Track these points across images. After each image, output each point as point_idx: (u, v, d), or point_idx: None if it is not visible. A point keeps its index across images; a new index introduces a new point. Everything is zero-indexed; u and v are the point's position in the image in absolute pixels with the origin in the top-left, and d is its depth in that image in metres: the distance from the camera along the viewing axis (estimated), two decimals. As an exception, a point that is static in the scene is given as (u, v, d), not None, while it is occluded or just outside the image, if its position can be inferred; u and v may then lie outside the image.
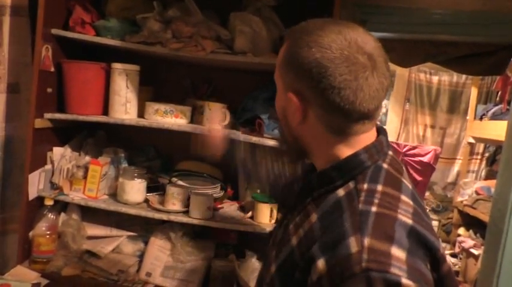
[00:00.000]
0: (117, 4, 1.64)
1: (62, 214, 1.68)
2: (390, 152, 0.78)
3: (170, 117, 1.61)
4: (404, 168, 0.79)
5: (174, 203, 1.61)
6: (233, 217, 1.64)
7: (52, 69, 1.58)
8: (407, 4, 1.85)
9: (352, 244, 0.61)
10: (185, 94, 1.85)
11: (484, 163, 4.62)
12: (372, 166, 0.73)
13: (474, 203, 3.58)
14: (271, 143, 1.53)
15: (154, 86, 1.81)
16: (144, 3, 1.63)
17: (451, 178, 4.77)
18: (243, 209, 1.72)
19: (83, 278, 1.57)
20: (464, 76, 4.59)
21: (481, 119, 3.88)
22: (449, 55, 2.09)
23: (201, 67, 1.86)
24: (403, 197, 0.69)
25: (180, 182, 1.71)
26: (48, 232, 1.59)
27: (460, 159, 4.68)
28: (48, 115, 1.59)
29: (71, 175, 1.67)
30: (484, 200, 3.48)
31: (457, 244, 3.67)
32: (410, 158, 3.73)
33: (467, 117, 4.32)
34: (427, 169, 3.78)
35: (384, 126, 4.68)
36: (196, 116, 1.72)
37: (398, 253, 0.60)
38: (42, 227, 1.59)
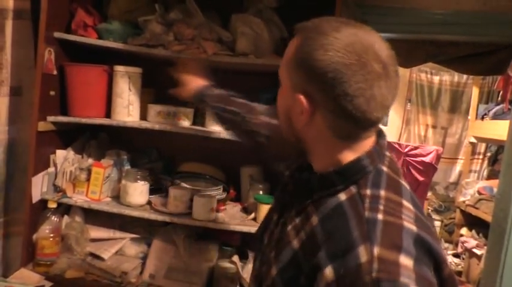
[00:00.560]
0: (119, 7, 1.65)
1: (65, 217, 1.68)
2: (388, 153, 0.78)
3: (172, 120, 1.61)
4: (400, 168, 0.79)
5: (177, 205, 1.62)
6: (236, 218, 1.64)
7: (55, 72, 1.59)
8: (408, 4, 1.86)
9: (362, 253, 0.62)
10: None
11: (485, 162, 4.61)
12: (374, 169, 0.73)
13: (476, 203, 3.58)
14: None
15: (156, 88, 1.82)
16: (146, 5, 1.64)
17: (453, 177, 4.76)
18: (245, 210, 1.72)
19: (86, 280, 1.57)
20: (465, 76, 4.58)
21: (482, 118, 3.88)
22: (451, 55, 2.09)
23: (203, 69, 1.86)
24: (405, 203, 0.69)
25: (183, 184, 1.72)
26: (52, 235, 1.59)
27: (461, 159, 4.68)
28: (51, 118, 1.60)
29: (74, 178, 1.67)
30: (487, 200, 3.48)
31: (459, 244, 3.66)
32: (412, 159, 3.73)
33: (469, 117, 4.32)
34: (429, 169, 3.78)
35: (383, 127, 4.71)
36: (198, 118, 1.72)
37: (406, 261, 0.61)
38: (45, 229, 1.59)
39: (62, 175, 1.66)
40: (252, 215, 1.64)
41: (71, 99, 1.64)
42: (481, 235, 3.51)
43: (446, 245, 3.91)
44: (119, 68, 1.59)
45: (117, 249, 1.69)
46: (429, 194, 4.38)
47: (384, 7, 1.84)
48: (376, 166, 0.73)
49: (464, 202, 3.77)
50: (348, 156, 0.73)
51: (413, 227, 0.65)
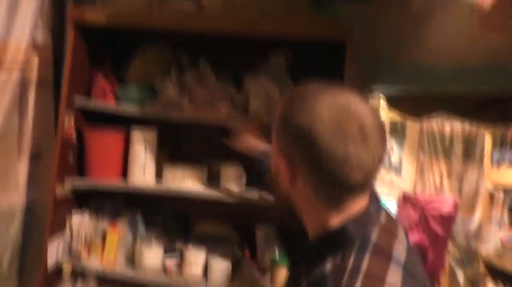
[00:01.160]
0: (136, 71, 1.72)
1: (80, 282, 1.66)
2: (383, 219, 0.75)
3: (187, 181, 1.62)
4: (400, 233, 0.75)
5: (192, 269, 1.59)
6: (252, 280, 1.59)
7: (74, 137, 1.63)
8: (414, 61, 1.90)
9: None
10: (201, 154, 1.88)
11: (506, 210, 4.49)
12: (359, 238, 0.70)
13: (500, 254, 3.45)
14: (289, 202, 1.52)
15: (171, 148, 1.85)
16: (162, 69, 1.71)
17: (472, 227, 4.62)
18: (261, 270, 1.68)
19: None
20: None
21: (498, 165, 3.83)
22: (460, 106, 2.11)
23: (217, 128, 1.90)
24: (390, 276, 0.65)
25: (197, 246, 1.69)
26: (66, 301, 1.56)
27: (480, 207, 4.57)
28: (68, 182, 1.62)
29: (89, 242, 1.66)
30: (511, 251, 3.36)
31: (486, 299, 3.49)
32: (429, 210, 3.64)
33: (484, 164, 4.26)
34: (448, 220, 3.68)
35: (398, 182, 4.61)
36: (212, 178, 1.73)
37: None
38: (60, 295, 1.57)
39: (78, 238, 1.66)
40: (268, 276, 1.60)
41: (88, 163, 1.67)
42: (508, 288, 3.35)
43: (472, 300, 3.73)
44: (136, 132, 1.63)
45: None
46: (450, 245, 4.24)
47: (391, 63, 1.88)
48: (362, 234, 0.70)
49: (487, 253, 3.64)
50: (334, 220, 0.71)
51: None
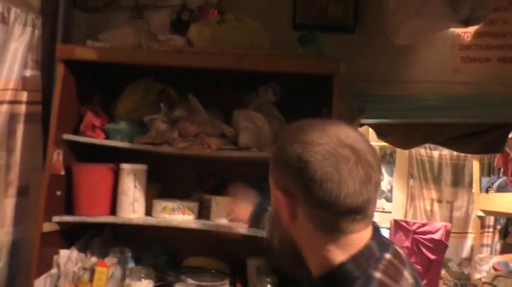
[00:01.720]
0: (125, 107, 1.73)
1: (66, 321, 1.61)
2: (388, 255, 0.72)
3: (177, 214, 1.62)
4: (406, 268, 0.73)
5: (183, 304, 1.56)
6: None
7: (62, 172, 1.62)
8: (400, 92, 1.95)
9: None
10: (191, 187, 1.87)
11: (497, 235, 4.51)
12: (362, 276, 0.67)
13: (494, 280, 3.45)
14: (280, 235, 1.52)
15: (161, 182, 1.84)
16: (151, 105, 1.72)
17: (465, 253, 4.62)
18: (254, 305, 1.65)
19: None
20: (464, 149, 4.65)
21: (487, 191, 3.87)
22: (447, 135, 2.15)
23: (206, 161, 1.90)
24: None
25: (188, 280, 1.67)
26: None
27: (471, 233, 4.58)
28: (56, 218, 1.60)
29: (77, 278, 1.63)
30: (504, 277, 3.36)
31: (482, 327, 3.45)
32: (421, 236, 3.65)
33: (473, 190, 4.31)
34: (440, 246, 3.69)
35: (389, 208, 4.63)
36: (203, 210, 1.73)
37: None
38: (45, 337, 1.52)
39: (65, 276, 1.62)
40: (261, 311, 1.57)
41: (76, 198, 1.65)
42: (502, 316, 3.33)
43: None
44: (125, 166, 1.62)
45: None
46: (443, 272, 4.22)
47: (378, 95, 1.93)
48: (365, 271, 0.68)
49: (480, 279, 3.63)
50: (337, 255, 0.70)
51: None
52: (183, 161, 1.90)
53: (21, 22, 1.66)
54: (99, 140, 1.65)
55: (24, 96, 1.69)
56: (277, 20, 1.97)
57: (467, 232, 4.67)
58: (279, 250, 0.81)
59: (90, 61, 1.61)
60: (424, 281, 3.51)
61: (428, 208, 4.73)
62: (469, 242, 4.65)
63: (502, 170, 3.71)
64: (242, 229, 1.56)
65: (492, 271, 3.61)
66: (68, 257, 1.65)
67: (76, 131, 1.69)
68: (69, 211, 1.68)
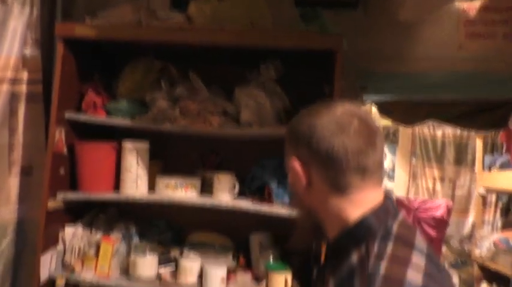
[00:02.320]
0: (126, 86, 1.72)
1: (74, 295, 1.65)
2: (401, 215, 0.78)
3: (180, 191, 1.63)
4: (417, 231, 0.78)
5: (187, 277, 1.59)
6: (247, 288, 1.60)
7: (65, 151, 1.63)
8: (405, 69, 1.93)
9: None
10: (194, 166, 1.88)
11: (498, 213, 4.53)
12: (382, 228, 0.73)
13: (494, 256, 3.48)
14: (282, 211, 1.54)
15: (163, 160, 1.85)
16: (152, 83, 1.71)
17: (466, 230, 4.66)
18: (256, 279, 1.68)
19: None
20: (467, 128, 4.64)
21: (490, 169, 3.87)
22: (450, 113, 2.14)
23: (208, 139, 1.91)
24: (415, 259, 0.68)
25: (192, 255, 1.70)
26: (60, 315, 1.56)
27: (473, 211, 4.61)
28: (60, 196, 1.62)
29: (83, 254, 1.66)
30: (504, 253, 3.38)
31: (481, 301, 3.51)
32: (422, 214, 3.67)
33: (476, 169, 4.31)
34: (441, 223, 3.71)
35: (391, 187, 4.65)
36: (206, 187, 1.74)
37: None
38: (53, 310, 1.56)
39: (71, 251, 1.65)
40: (263, 284, 1.60)
41: (80, 176, 1.67)
42: (502, 290, 3.37)
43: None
44: (127, 144, 1.63)
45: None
46: (444, 249, 4.27)
47: (382, 73, 1.91)
48: (384, 224, 0.73)
49: (481, 255, 3.66)
50: (352, 212, 0.75)
51: (418, 281, 0.64)
52: (185, 139, 1.91)
53: (20, 1, 1.65)
54: (101, 119, 1.65)
55: (24, 75, 1.68)
56: (279, -4, 1.94)
57: (468, 210, 4.70)
58: (300, 221, 0.89)
59: (90, 39, 1.60)
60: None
61: (430, 186, 4.75)
62: (470, 220, 4.68)
63: (504, 147, 3.69)
64: (246, 205, 1.58)
65: (492, 247, 3.63)
66: (73, 234, 1.68)
67: (78, 110, 1.69)
68: (74, 189, 1.70)
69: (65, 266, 1.66)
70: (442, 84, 1.89)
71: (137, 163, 1.63)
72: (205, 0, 1.71)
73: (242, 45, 1.55)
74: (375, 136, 0.76)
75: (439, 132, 4.74)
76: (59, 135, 1.59)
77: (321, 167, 0.76)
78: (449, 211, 3.74)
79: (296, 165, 0.79)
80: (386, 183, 4.82)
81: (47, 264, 1.60)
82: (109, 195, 1.64)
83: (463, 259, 4.25)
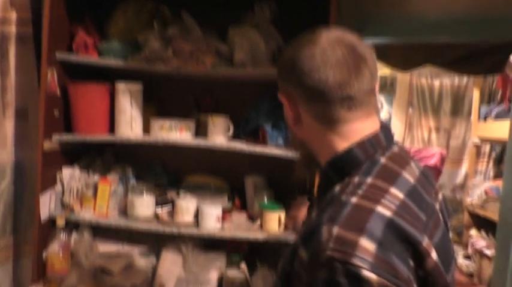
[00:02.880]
0: (118, 26, 1.69)
1: (74, 233, 1.70)
2: (395, 148, 0.76)
3: (175, 132, 1.64)
4: (412, 165, 0.76)
5: (184, 216, 1.64)
6: (242, 226, 1.65)
7: (58, 92, 1.63)
8: (401, 11, 1.89)
9: (324, 232, 0.62)
10: (188, 109, 1.89)
11: (491, 163, 4.60)
12: (368, 160, 0.72)
13: (484, 203, 3.57)
14: (276, 152, 1.56)
15: (157, 103, 1.85)
16: (145, 23, 1.68)
17: (459, 179, 4.74)
18: (251, 218, 1.74)
19: (97, 295, 1.59)
20: (465, 79, 4.60)
21: (485, 119, 3.89)
22: (448, 57, 2.12)
23: (202, 82, 1.90)
24: (392, 190, 0.67)
25: (188, 195, 1.74)
26: (61, 252, 1.61)
27: (467, 160, 4.67)
28: (56, 137, 1.63)
29: (81, 194, 1.70)
30: (494, 200, 3.47)
31: (469, 246, 3.64)
32: (416, 162, 3.72)
33: (471, 119, 4.32)
34: (434, 172, 3.77)
35: (389, 124, 4.66)
36: (200, 130, 1.76)
37: (366, 244, 0.59)
38: (55, 247, 1.61)
39: (69, 192, 1.69)
40: (258, 222, 1.65)
41: (74, 118, 1.68)
42: (490, 235, 3.49)
43: (456, 247, 3.88)
44: (120, 85, 1.62)
45: (126, 263, 1.71)
46: (436, 197, 4.36)
47: (378, 15, 1.87)
48: (371, 156, 0.72)
49: (471, 203, 3.75)
50: (340, 144, 0.75)
51: (388, 213, 0.63)
52: (178, 81, 1.90)
53: None
54: (93, 59, 1.63)
55: (13, 15, 1.64)
56: None
57: (462, 160, 4.76)
58: (297, 153, 0.89)
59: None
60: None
61: (426, 136, 4.78)
62: (463, 169, 4.74)
63: (499, 94, 3.68)
64: (240, 146, 1.60)
65: (483, 195, 3.72)
66: (70, 175, 1.71)
67: (69, 52, 1.67)
68: (69, 130, 1.71)
69: (64, 206, 1.71)
70: (439, 25, 1.85)
71: (131, 104, 1.63)
72: None
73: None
74: (362, 63, 0.72)
75: (436, 83, 4.71)
76: (51, 76, 1.58)
77: (307, 102, 0.75)
78: (442, 159, 3.80)
79: (283, 100, 0.79)
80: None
81: (47, 204, 1.64)
82: (104, 137, 1.65)
83: (455, 207, 4.36)
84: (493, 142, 4.23)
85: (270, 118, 1.67)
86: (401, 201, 0.66)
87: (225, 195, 1.79)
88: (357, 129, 0.74)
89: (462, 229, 3.95)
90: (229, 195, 1.82)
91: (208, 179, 1.84)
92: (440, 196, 0.83)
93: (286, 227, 1.61)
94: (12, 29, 1.66)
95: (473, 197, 3.82)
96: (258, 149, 1.58)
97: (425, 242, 0.64)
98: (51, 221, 1.66)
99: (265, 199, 1.72)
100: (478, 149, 4.41)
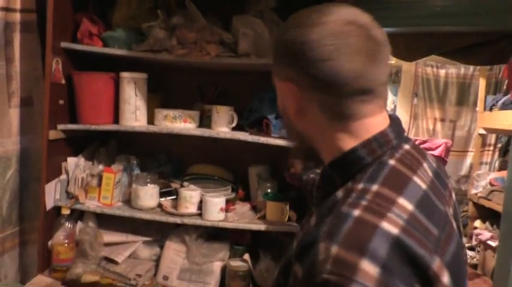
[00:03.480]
0: (122, 14, 1.68)
1: (79, 223, 1.72)
2: (406, 146, 0.68)
3: (179, 123, 1.64)
4: (424, 165, 0.68)
5: (187, 207, 1.64)
6: (245, 217, 1.66)
7: (63, 81, 1.63)
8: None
9: (321, 250, 0.54)
10: (193, 99, 1.88)
11: (496, 154, 4.58)
12: (375, 162, 0.64)
13: (489, 194, 3.55)
14: (280, 142, 1.56)
15: (162, 93, 1.85)
16: (149, 12, 1.67)
17: (464, 170, 4.73)
18: (255, 209, 1.74)
19: (101, 284, 1.60)
20: (471, 68, 4.56)
21: (491, 109, 3.85)
22: (453, 46, 2.09)
23: (207, 71, 1.89)
24: (400, 200, 0.59)
25: (192, 186, 1.74)
26: (67, 241, 1.63)
27: (472, 151, 4.65)
28: (61, 126, 1.64)
29: (86, 184, 1.71)
30: (499, 191, 3.45)
31: (474, 237, 3.64)
32: (421, 153, 3.71)
33: (477, 109, 4.29)
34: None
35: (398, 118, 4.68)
36: (204, 120, 1.75)
37: (368, 267, 0.51)
38: (60, 236, 1.63)
39: (74, 181, 1.70)
40: (261, 213, 1.66)
41: (79, 107, 1.68)
42: (494, 226, 3.48)
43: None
44: (125, 75, 1.62)
45: (131, 252, 1.72)
46: (440, 188, 4.35)
47: (384, 2, 1.85)
48: (378, 157, 0.64)
49: (476, 194, 3.74)
50: (348, 142, 0.66)
51: (394, 230, 0.54)
52: (183, 71, 1.89)
53: None
54: (98, 48, 1.63)
55: (17, 3, 1.64)
56: None
57: (467, 151, 4.74)
58: (294, 147, 0.79)
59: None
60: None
61: (431, 127, 4.76)
62: (468, 160, 4.73)
63: (505, 84, 3.64)
64: (243, 136, 1.59)
65: (488, 186, 3.71)
66: (75, 165, 1.72)
67: (74, 40, 1.67)
68: (74, 120, 1.71)
69: (69, 195, 1.72)
70: (445, 13, 1.83)
71: (136, 94, 1.62)
72: None
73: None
74: (379, 49, 0.64)
75: (442, 72, 4.67)
76: (56, 64, 1.58)
77: (312, 92, 0.66)
78: (447, 149, 3.78)
79: (281, 87, 0.70)
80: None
81: (52, 193, 1.65)
82: (109, 126, 1.65)
83: (459, 198, 4.35)
84: (498, 132, 4.20)
85: (274, 108, 1.66)
86: (410, 214, 0.58)
87: (228, 185, 1.79)
88: (368, 125, 0.66)
89: (467, 220, 3.95)
90: (233, 186, 1.82)
91: (212, 169, 1.84)
92: (453, 197, 0.76)
93: (290, 218, 1.61)
94: (17, 17, 1.65)
95: (478, 188, 3.81)
96: (261, 139, 1.57)
97: (436, 264, 0.55)
98: (56, 210, 1.67)
99: (269, 190, 1.72)
100: (483, 139, 4.38)
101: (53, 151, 1.64)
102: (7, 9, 1.61)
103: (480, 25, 1.90)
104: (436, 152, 3.71)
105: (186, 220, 1.61)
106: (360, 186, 0.61)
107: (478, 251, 3.53)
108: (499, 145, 4.55)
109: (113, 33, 1.63)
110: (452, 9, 1.82)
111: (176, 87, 1.93)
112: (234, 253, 1.69)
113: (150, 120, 1.70)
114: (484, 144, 4.49)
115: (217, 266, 1.64)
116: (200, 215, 1.63)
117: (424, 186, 0.64)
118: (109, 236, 1.73)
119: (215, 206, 1.61)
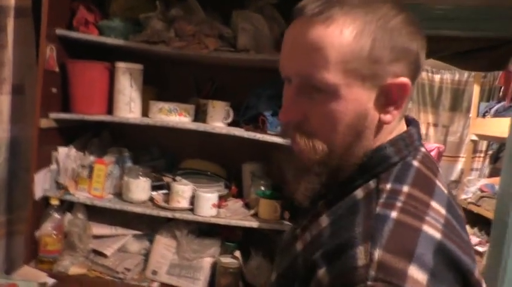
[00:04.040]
0: (120, 4, 1.65)
1: (68, 214, 1.69)
2: (423, 149, 0.65)
3: (174, 116, 1.62)
4: (439, 169, 0.66)
5: (179, 201, 1.62)
6: (238, 214, 1.64)
7: (56, 69, 1.60)
8: (409, 1, 1.86)
9: (360, 255, 0.49)
10: (189, 93, 1.86)
11: (487, 160, 4.61)
12: (400, 162, 0.61)
13: (478, 200, 3.57)
14: (275, 139, 1.54)
15: (158, 86, 1.83)
16: (147, 2, 1.65)
17: (454, 176, 4.76)
18: (247, 206, 1.72)
19: (89, 277, 1.58)
20: (466, 74, 4.59)
21: (483, 116, 3.87)
22: (451, 51, 2.09)
23: (204, 66, 1.87)
24: (434, 204, 0.56)
25: (185, 181, 1.72)
26: (55, 232, 1.60)
27: (463, 157, 4.68)
28: (53, 115, 1.60)
29: (76, 175, 1.68)
30: (489, 198, 3.48)
31: (462, 242, 3.65)
32: (413, 157, 3.72)
33: (470, 115, 4.31)
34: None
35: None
36: (200, 115, 1.73)
37: (417, 274, 0.47)
38: (48, 227, 1.59)
39: (64, 172, 1.67)
40: (254, 210, 1.64)
41: (72, 96, 1.65)
42: (483, 232, 3.50)
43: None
44: (120, 65, 1.59)
45: (120, 246, 1.69)
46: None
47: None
48: (403, 157, 0.61)
49: (466, 199, 3.76)
50: (384, 139, 0.62)
51: (437, 234, 0.51)
52: (180, 64, 1.87)
53: None
54: (93, 37, 1.60)
55: (12, -13, 1.60)
56: None
57: (459, 156, 4.77)
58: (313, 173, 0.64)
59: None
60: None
61: (423, 131, 4.78)
62: (459, 166, 4.76)
63: (502, 89, 3.66)
64: (238, 131, 1.58)
65: (478, 192, 3.73)
66: (66, 155, 1.68)
67: (69, 28, 1.63)
68: (66, 109, 1.68)
69: (58, 186, 1.69)
70: (446, 17, 1.83)
71: (130, 85, 1.60)
72: None
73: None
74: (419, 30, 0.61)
75: (437, 77, 4.69)
76: (50, 52, 1.55)
77: (414, 85, 0.61)
78: (440, 154, 3.80)
79: (403, 83, 0.59)
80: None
81: (41, 183, 1.62)
82: (102, 117, 1.62)
83: (449, 203, 4.37)
84: (490, 139, 4.23)
85: (271, 105, 1.65)
86: (446, 218, 0.55)
87: (221, 181, 1.78)
88: (390, 128, 0.62)
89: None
90: (226, 182, 1.80)
91: (205, 164, 1.82)
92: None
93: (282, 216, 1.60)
94: (11, 2, 1.61)
95: (468, 194, 3.83)
96: (257, 136, 1.56)
97: (477, 271, 0.53)
98: (45, 201, 1.64)
99: (262, 187, 1.70)
100: (474, 145, 4.41)
101: (44, 140, 1.60)
102: (2, -6, 1.57)
103: (479, 31, 1.90)
104: (429, 157, 3.72)
105: (178, 215, 1.59)
106: (388, 186, 0.57)
107: (466, 257, 3.55)
108: (490, 152, 4.58)
109: (110, 23, 1.61)
110: (453, 14, 1.82)
111: (172, 80, 1.90)
112: (225, 250, 1.67)
113: (145, 112, 1.68)
114: (475, 150, 4.52)
115: (207, 262, 1.62)
116: (192, 210, 1.61)
117: (445, 190, 0.61)
118: (98, 229, 1.70)
119: (207, 202, 1.59)
